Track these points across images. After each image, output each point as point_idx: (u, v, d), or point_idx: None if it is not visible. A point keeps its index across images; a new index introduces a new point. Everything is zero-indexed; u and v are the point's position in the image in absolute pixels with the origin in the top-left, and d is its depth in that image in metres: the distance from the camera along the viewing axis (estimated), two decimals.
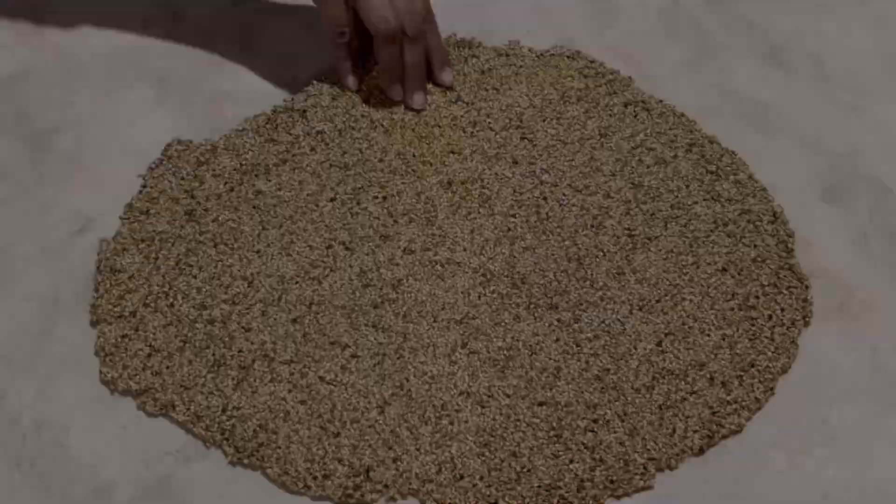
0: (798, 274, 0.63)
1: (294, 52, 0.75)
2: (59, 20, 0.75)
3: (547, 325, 0.61)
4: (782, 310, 0.62)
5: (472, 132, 0.69)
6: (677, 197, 0.67)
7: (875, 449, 0.58)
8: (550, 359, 0.59)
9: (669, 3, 0.79)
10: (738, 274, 0.63)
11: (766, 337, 0.60)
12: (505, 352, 0.59)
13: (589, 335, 0.60)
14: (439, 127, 0.70)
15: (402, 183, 0.67)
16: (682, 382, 0.59)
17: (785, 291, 0.62)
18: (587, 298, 0.62)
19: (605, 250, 0.64)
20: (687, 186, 0.67)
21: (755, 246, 0.64)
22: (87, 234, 0.65)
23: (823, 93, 0.74)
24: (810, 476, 0.57)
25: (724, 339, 0.60)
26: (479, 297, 0.62)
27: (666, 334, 0.61)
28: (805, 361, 0.61)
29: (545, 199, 0.66)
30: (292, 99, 0.71)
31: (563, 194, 0.66)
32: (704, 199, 0.67)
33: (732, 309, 0.62)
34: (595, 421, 0.57)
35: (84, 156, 0.68)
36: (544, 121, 0.71)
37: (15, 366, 0.59)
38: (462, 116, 0.71)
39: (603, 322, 0.61)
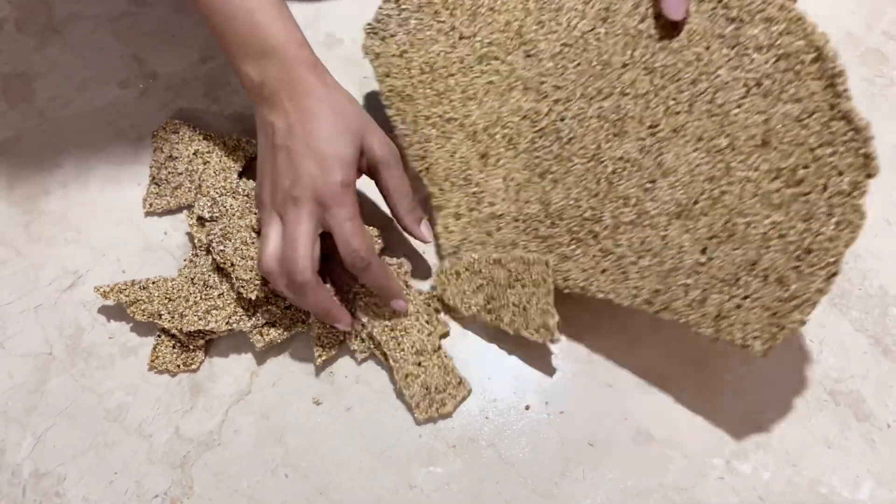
0: (853, 122, 0.45)
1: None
2: (45, 86, 0.72)
3: (591, 258, 0.53)
4: (839, 173, 0.46)
5: (480, 70, 0.57)
6: (696, 67, 0.50)
7: (807, 449, 0.53)
8: (601, 291, 0.53)
9: None
10: (781, 143, 0.48)
11: (823, 213, 0.46)
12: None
13: (633, 258, 0.51)
14: (452, 75, 0.58)
15: (437, 147, 0.58)
16: (734, 288, 0.48)
17: (841, 148, 0.46)
18: (623, 220, 0.52)
19: (631, 160, 0.52)
20: (707, 48, 0.50)
21: (797, 100, 0.47)
22: (76, 289, 0.62)
23: None
24: (747, 480, 0.52)
25: (773, 229, 0.48)
26: (528, 241, 0.55)
27: (710, 238, 0.49)
28: (738, 369, 0.56)
29: (562, 119, 0.55)
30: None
31: (580, 107, 0.53)
32: (728, 60, 0.49)
33: (779, 189, 0.48)
34: None
35: (71, 215, 0.63)
36: (543, 26, 0.56)
37: (13, 421, 0.55)
38: (468, 56, 0.58)
39: (643, 242, 0.51)
